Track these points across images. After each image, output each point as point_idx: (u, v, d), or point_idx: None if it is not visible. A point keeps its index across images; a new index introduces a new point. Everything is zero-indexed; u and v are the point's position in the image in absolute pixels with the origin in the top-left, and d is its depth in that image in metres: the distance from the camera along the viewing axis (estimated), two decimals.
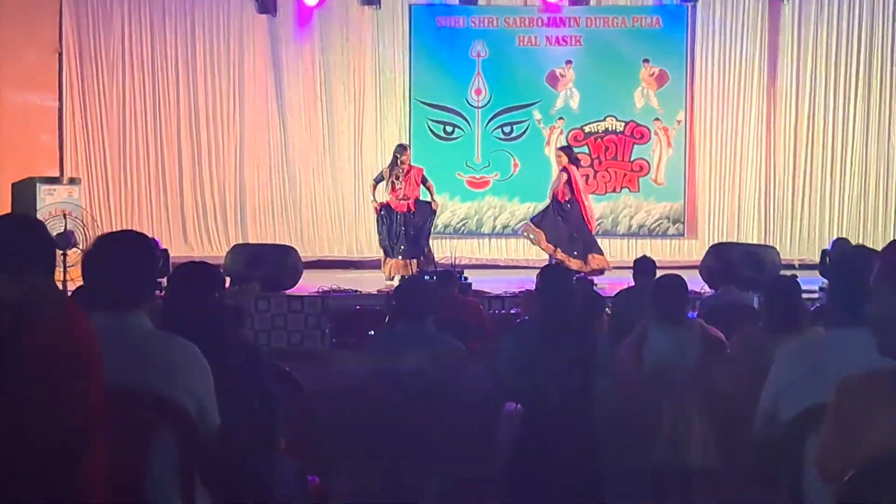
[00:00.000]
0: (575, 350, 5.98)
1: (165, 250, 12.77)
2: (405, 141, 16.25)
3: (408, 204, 13.54)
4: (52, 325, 3.37)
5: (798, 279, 6.37)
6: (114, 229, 14.78)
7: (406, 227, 13.51)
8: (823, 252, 12.53)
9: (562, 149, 14.31)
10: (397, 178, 13.53)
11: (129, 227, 16.22)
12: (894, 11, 15.97)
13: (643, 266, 9.58)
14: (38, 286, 3.57)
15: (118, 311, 3.93)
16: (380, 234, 13.74)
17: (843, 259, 4.21)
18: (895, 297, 3.00)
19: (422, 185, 13.71)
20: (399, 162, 13.56)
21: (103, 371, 3.45)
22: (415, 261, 13.44)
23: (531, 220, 14.32)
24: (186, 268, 4.70)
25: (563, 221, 13.79)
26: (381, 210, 13.60)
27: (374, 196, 13.74)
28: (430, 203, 13.67)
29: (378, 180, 13.75)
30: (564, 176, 13.77)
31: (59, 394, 3.31)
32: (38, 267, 3.64)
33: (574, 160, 14.03)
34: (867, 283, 3.18)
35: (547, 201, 14.07)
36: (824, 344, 4.15)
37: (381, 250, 13.82)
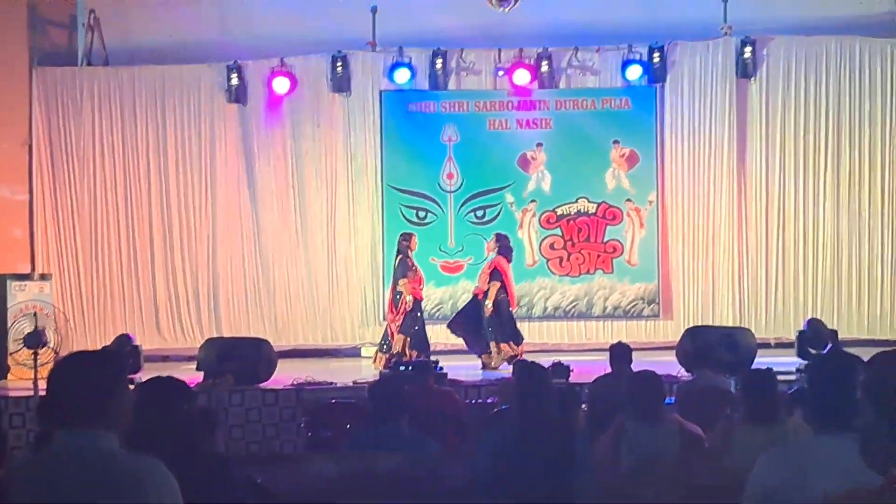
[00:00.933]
0: (552, 447, 5.92)
1: (137, 346, 12.72)
2: (378, 226, 16.32)
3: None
4: None
5: (773, 370, 6.35)
6: (86, 325, 14.79)
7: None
8: (799, 333, 12.53)
9: (497, 235, 14.48)
10: (415, 266, 13.90)
11: (102, 321, 16.23)
12: (860, 88, 16.10)
13: (619, 352, 9.54)
14: None
15: (83, 429, 3.85)
16: (406, 333, 13.68)
17: (827, 365, 4.18)
18: (880, 411, 2.98)
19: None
20: (410, 250, 13.85)
21: None
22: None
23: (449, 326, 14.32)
24: (152, 384, 4.63)
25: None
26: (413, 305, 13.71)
27: (408, 296, 13.71)
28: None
29: (404, 276, 13.80)
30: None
31: None
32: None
33: (505, 251, 14.11)
34: (852, 394, 3.16)
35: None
36: (810, 450, 4.11)
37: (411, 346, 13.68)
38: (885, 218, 16.07)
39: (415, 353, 13.43)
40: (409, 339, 13.60)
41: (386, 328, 14.20)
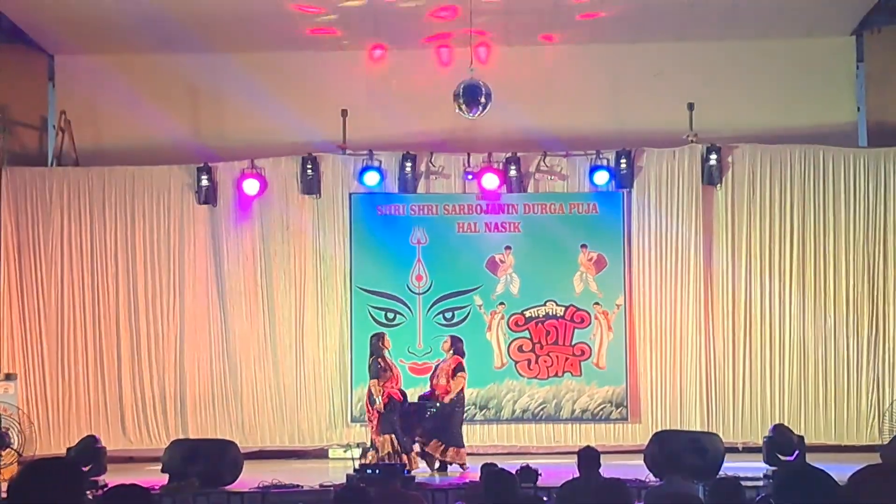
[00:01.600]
0: None
1: (103, 447, 12.62)
2: (346, 327, 16.34)
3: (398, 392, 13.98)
4: None
5: (740, 480, 6.38)
6: (50, 426, 14.68)
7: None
8: (766, 438, 12.54)
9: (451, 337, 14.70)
10: (389, 367, 13.90)
11: (67, 421, 16.11)
12: (824, 195, 16.31)
13: (587, 456, 9.53)
14: None
15: None
16: (387, 432, 13.62)
17: (794, 479, 4.19)
18: None
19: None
20: (382, 351, 13.93)
21: None
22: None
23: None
24: (115, 493, 4.60)
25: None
26: (387, 405, 13.68)
27: (377, 398, 13.74)
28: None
29: (376, 376, 13.85)
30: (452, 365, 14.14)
31: None
32: None
33: (460, 352, 14.33)
34: None
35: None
36: None
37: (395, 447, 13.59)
38: (850, 323, 16.17)
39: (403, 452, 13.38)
40: (392, 436, 13.54)
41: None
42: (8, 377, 14.94)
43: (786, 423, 13.44)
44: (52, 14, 15.48)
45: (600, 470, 9.22)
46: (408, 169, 16.38)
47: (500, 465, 8.01)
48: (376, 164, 16.42)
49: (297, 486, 12.14)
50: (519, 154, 16.40)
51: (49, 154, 17.00)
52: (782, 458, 12.00)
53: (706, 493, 6.29)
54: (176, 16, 15.36)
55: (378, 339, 14.20)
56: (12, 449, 12.22)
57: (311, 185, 16.48)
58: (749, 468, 11.72)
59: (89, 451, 12.29)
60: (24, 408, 15.29)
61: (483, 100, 13.52)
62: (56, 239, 16.60)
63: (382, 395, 13.66)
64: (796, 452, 11.92)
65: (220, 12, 15.34)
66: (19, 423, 13.37)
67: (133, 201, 16.67)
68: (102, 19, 15.58)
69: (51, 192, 16.62)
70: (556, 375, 16.43)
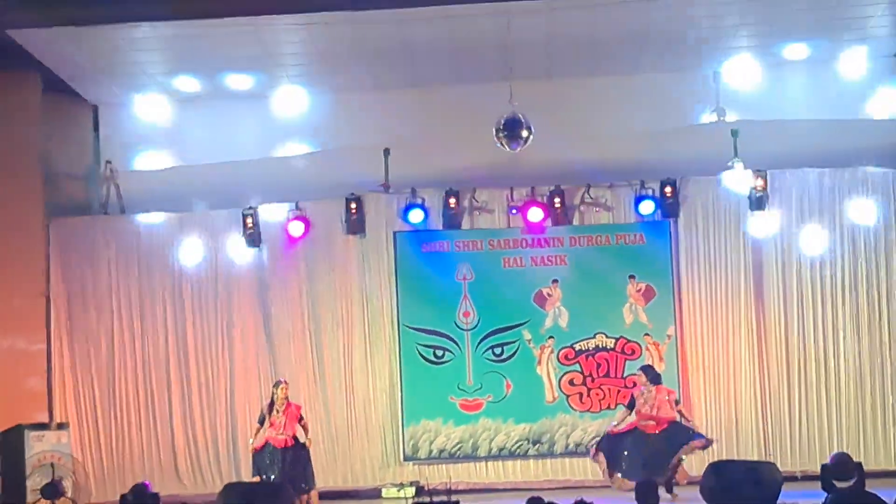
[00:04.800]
0: None
1: (156, 494, 12.58)
2: (396, 366, 16.28)
3: (286, 439, 14.09)
4: None
5: None
6: (105, 473, 14.71)
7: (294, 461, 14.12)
8: (823, 466, 12.32)
9: (642, 368, 14.98)
10: (278, 412, 14.11)
11: (120, 468, 16.13)
12: (874, 218, 16.12)
13: (645, 490, 9.37)
14: None
15: None
16: (264, 473, 14.07)
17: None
18: None
19: (298, 423, 14.27)
20: (275, 398, 14.17)
21: None
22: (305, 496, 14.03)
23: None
24: None
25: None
26: (262, 449, 14.08)
27: (253, 439, 14.29)
28: (304, 444, 14.29)
29: (261, 421, 14.27)
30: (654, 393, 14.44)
31: None
32: None
33: (654, 378, 14.61)
34: None
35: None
36: None
37: None
38: None
39: None
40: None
41: None
42: (60, 426, 14.99)
43: (844, 450, 13.25)
44: (94, 64, 15.59)
45: (658, 501, 9.08)
46: (451, 205, 16.36)
47: (550, 500, 7.89)
48: (419, 201, 16.41)
49: None
50: (563, 187, 16.34)
51: (94, 203, 17.10)
52: (839, 484, 11.78)
53: None
54: (210, 57, 15.45)
55: (276, 385, 14.47)
56: (67, 498, 12.23)
57: (355, 225, 16.49)
58: (808, 495, 11.49)
59: (144, 499, 12.25)
60: (78, 456, 15.32)
61: (524, 133, 13.48)
62: (104, 287, 16.69)
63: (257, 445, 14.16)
64: (854, 479, 11.70)
65: (257, 52, 15.40)
66: (73, 473, 13.41)
67: (179, 247, 16.73)
68: (140, 66, 15.69)
69: (97, 242, 16.72)
70: (608, 408, 16.27)
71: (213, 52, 15.23)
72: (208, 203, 16.84)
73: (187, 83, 16.34)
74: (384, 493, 16.06)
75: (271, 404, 14.16)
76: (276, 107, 16.92)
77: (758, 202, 16.13)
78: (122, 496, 12.42)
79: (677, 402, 14.84)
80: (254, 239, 16.53)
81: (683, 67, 16.46)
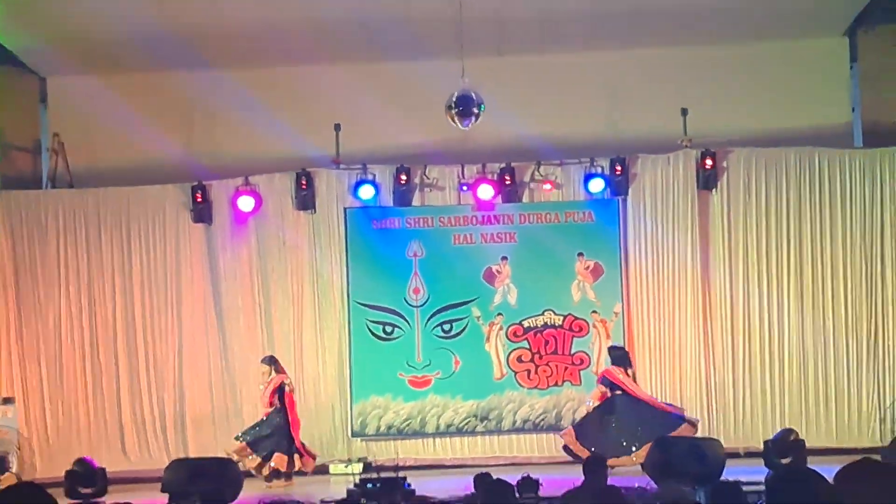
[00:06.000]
0: None
1: (103, 469, 12.56)
2: (345, 342, 16.32)
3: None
4: None
5: (740, 483, 6.32)
6: (50, 448, 14.61)
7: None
8: (765, 443, 12.51)
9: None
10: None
11: (67, 443, 16.04)
12: (821, 198, 16.25)
13: (593, 463, 9.51)
14: None
15: None
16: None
17: (785, 481, 4.15)
18: None
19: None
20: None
21: None
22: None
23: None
24: None
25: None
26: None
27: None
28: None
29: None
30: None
31: None
32: None
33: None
34: None
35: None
36: None
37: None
38: (849, 326, 16.11)
39: None
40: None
41: None
42: (6, 401, 14.92)
43: (788, 427, 13.43)
44: (43, 36, 15.45)
45: (606, 476, 9.17)
46: (402, 181, 16.35)
47: (496, 476, 7.96)
48: (370, 177, 16.40)
49: (299, 502, 12.04)
50: (513, 164, 16.37)
51: (43, 177, 16.96)
52: (781, 461, 11.95)
53: (707, 497, 6.22)
54: (166, 34, 15.33)
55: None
56: (11, 473, 12.18)
57: (305, 201, 16.45)
58: (751, 472, 11.62)
59: (89, 474, 12.24)
60: (24, 431, 15.25)
61: (476, 110, 13.50)
62: (52, 262, 16.57)
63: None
64: (795, 455, 11.88)
65: (211, 29, 15.32)
66: (19, 448, 13.34)
67: (128, 222, 16.65)
68: (93, 40, 15.58)
69: (46, 215, 16.59)
70: (555, 385, 16.38)
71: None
72: (157, 177, 16.71)
73: (135, 56, 16.18)
74: (332, 468, 16.03)
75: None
76: None
77: (706, 181, 16.25)
78: (69, 471, 12.45)
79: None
80: (203, 214, 16.46)
81: (633, 45, 16.52)
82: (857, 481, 3.99)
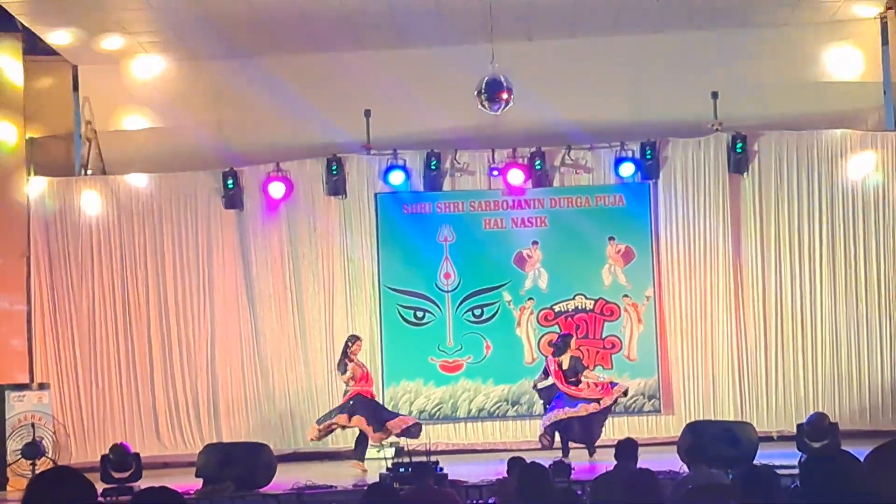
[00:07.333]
0: None
1: (137, 454, 12.68)
2: (377, 327, 16.36)
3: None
4: None
5: (773, 468, 6.32)
6: (85, 433, 14.73)
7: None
8: (798, 427, 12.47)
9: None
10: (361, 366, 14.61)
11: (101, 429, 16.16)
12: (852, 180, 16.19)
13: (625, 448, 9.49)
14: None
15: None
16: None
17: (819, 463, 4.15)
18: None
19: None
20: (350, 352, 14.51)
21: None
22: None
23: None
24: (147, 494, 4.61)
25: None
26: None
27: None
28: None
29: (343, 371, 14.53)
30: None
31: None
32: None
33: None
34: (848, 491, 3.14)
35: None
36: None
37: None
38: (882, 308, 16.06)
39: None
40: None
41: None
42: (41, 386, 15.03)
43: (821, 410, 13.39)
44: (75, 24, 15.51)
45: (637, 462, 9.18)
46: (433, 167, 16.37)
47: (530, 460, 7.98)
48: (401, 162, 16.42)
49: (331, 486, 12.16)
50: (543, 148, 16.36)
51: (76, 164, 17.06)
52: (815, 444, 11.92)
53: (741, 481, 6.20)
54: (197, 22, 15.39)
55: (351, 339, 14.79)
56: (47, 457, 12.29)
57: (336, 187, 16.48)
58: (784, 455, 11.61)
59: (124, 459, 12.36)
60: (59, 416, 15.37)
61: (505, 95, 13.50)
62: (86, 248, 16.66)
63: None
64: (829, 439, 11.84)
65: (242, 16, 15.34)
66: (54, 433, 13.45)
67: (160, 208, 16.74)
68: (125, 28, 15.64)
69: (79, 202, 16.68)
70: (587, 369, 16.35)
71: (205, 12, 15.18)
72: (189, 164, 16.78)
73: (168, 43, 16.25)
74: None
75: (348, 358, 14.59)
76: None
77: (737, 164, 16.20)
78: (104, 456, 12.58)
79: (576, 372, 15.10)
80: (235, 200, 16.53)
81: (663, 28, 16.46)
82: (888, 463, 3.99)
